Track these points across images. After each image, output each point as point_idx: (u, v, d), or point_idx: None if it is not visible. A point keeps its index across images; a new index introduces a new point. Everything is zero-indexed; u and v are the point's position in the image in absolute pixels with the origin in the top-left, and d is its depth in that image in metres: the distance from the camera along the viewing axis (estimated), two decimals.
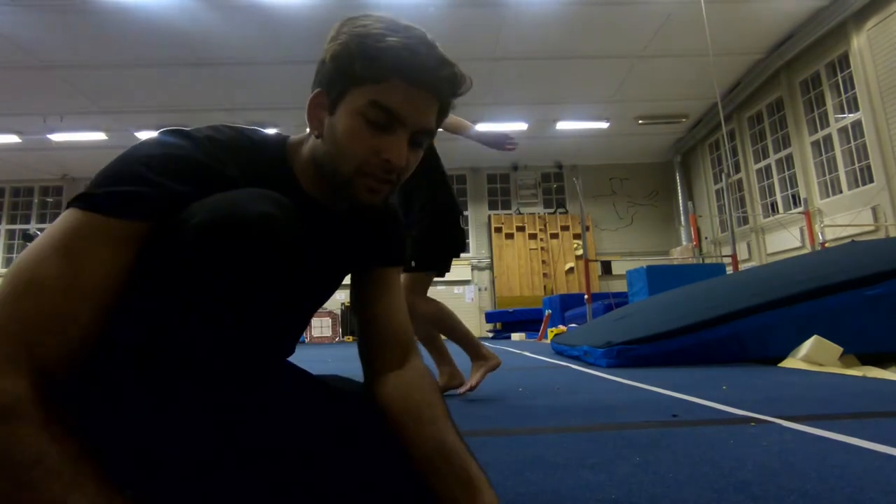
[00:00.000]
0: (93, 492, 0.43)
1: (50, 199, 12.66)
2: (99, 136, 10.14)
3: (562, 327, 7.53)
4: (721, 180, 10.47)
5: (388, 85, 0.61)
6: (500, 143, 2.45)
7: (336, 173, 0.65)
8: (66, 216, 0.53)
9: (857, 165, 7.80)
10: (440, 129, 2.13)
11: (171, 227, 0.53)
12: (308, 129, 0.70)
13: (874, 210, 7.32)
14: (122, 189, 0.54)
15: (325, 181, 0.69)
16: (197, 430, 0.56)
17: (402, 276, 2.14)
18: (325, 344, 10.21)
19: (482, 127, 2.58)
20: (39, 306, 0.47)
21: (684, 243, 12.11)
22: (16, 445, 0.43)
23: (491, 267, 12.61)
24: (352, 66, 0.62)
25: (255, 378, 0.59)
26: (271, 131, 0.74)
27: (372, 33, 0.61)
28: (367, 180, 0.64)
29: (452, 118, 2.31)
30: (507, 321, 10.03)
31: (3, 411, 0.43)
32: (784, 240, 9.01)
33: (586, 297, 7.35)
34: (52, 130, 9.81)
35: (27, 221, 12.59)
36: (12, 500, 0.42)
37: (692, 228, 9.07)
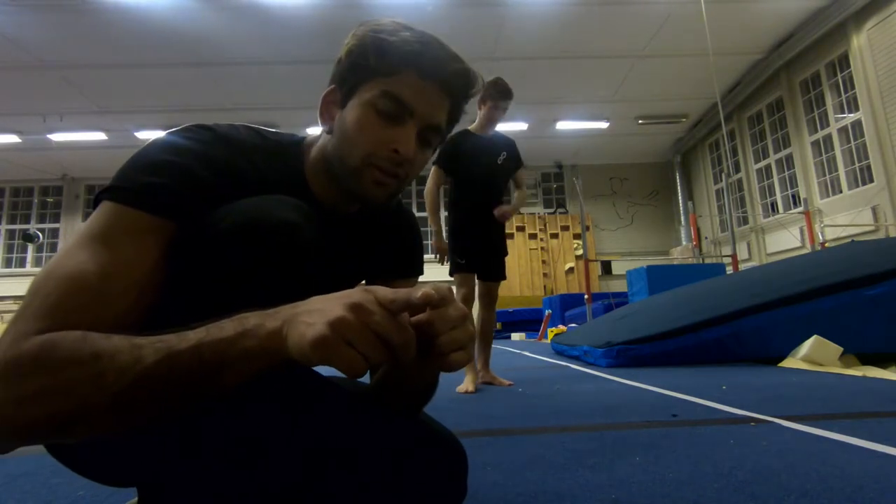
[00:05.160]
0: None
1: (50, 199, 12.66)
2: (99, 136, 10.15)
3: (562, 327, 7.53)
4: (721, 180, 10.47)
5: (399, 77, 0.63)
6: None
7: (344, 165, 0.65)
8: (100, 209, 0.55)
9: (857, 165, 7.80)
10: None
11: (198, 229, 0.55)
12: (320, 132, 0.71)
13: (874, 210, 7.32)
14: (153, 181, 0.55)
15: (333, 180, 0.69)
16: (222, 429, 0.57)
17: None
18: None
19: None
20: (73, 295, 0.48)
21: (684, 243, 12.11)
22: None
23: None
24: (365, 60, 0.63)
25: (276, 382, 0.60)
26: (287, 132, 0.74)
27: (386, 29, 0.63)
28: (375, 172, 0.64)
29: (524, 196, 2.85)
30: (507, 321, 10.02)
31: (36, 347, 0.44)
32: (784, 240, 9.01)
33: (586, 297, 7.35)
34: (52, 130, 9.81)
35: (27, 221, 12.59)
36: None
37: (692, 228, 9.08)
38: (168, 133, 0.61)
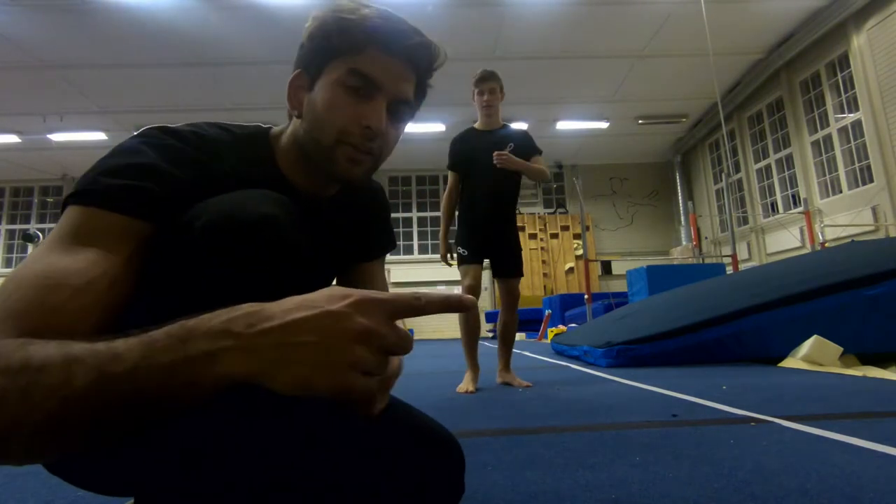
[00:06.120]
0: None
1: (50, 199, 12.66)
2: (99, 136, 10.15)
3: (562, 327, 7.53)
4: (721, 180, 10.47)
5: (364, 54, 0.64)
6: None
7: (317, 146, 0.66)
8: (67, 214, 0.53)
9: (857, 165, 7.80)
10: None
11: (175, 228, 0.54)
12: (287, 121, 0.71)
13: (874, 210, 7.32)
14: (120, 182, 0.54)
15: (307, 165, 0.69)
16: (205, 431, 0.56)
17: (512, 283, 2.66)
18: None
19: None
20: (38, 298, 0.45)
21: (684, 243, 12.11)
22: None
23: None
24: (329, 41, 0.64)
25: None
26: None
27: (346, 8, 0.65)
28: (348, 150, 0.65)
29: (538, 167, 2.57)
30: None
31: None
32: (784, 240, 9.01)
33: (586, 297, 7.35)
34: (52, 130, 9.82)
35: (27, 221, 12.59)
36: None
37: (692, 228, 9.08)
38: (131, 137, 0.61)
